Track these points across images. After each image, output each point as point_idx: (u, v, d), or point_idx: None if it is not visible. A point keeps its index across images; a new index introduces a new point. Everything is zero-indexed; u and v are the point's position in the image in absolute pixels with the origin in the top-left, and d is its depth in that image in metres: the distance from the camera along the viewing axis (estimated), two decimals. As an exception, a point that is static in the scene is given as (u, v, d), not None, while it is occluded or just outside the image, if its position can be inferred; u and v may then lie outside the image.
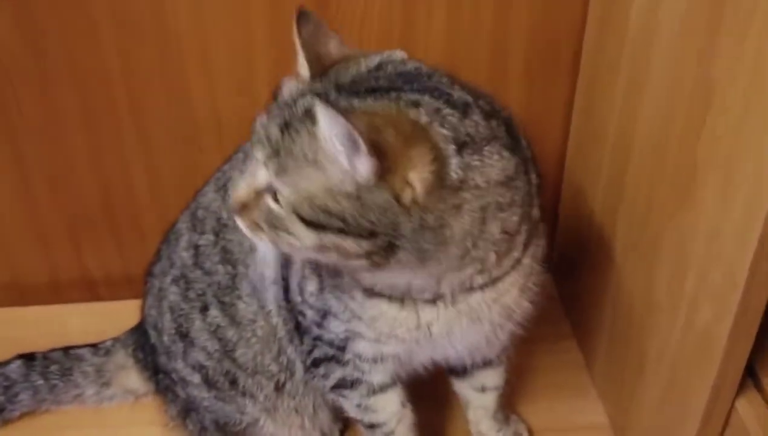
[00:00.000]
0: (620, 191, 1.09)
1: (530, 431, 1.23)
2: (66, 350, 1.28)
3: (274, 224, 0.77)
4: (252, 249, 1.02)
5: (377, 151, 0.69)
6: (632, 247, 1.08)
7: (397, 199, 0.73)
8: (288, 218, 0.75)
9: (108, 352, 1.28)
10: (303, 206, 0.74)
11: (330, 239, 0.75)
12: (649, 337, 1.03)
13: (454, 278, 0.83)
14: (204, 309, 1.08)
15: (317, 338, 0.99)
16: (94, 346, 1.28)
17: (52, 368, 1.25)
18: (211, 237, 1.07)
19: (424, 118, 0.75)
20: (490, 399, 1.15)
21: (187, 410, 1.17)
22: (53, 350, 1.28)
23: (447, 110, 0.76)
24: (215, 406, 1.12)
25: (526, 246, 0.86)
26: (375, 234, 0.74)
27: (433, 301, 0.87)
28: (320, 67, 0.82)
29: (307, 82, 0.81)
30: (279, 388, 1.08)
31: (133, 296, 1.39)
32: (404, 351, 0.95)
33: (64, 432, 1.25)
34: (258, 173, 0.78)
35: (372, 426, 1.04)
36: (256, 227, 0.80)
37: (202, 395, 1.11)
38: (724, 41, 0.79)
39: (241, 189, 0.80)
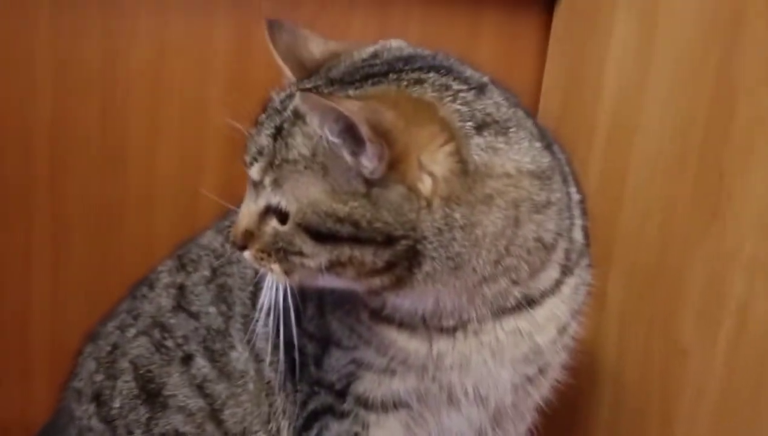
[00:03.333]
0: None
1: None
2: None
3: (282, 248, 0.69)
4: (253, 282, 0.88)
5: (381, 136, 0.62)
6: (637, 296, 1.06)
7: (414, 190, 0.65)
8: (295, 234, 0.67)
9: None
10: (308, 216, 0.66)
11: (343, 251, 0.66)
12: (677, 389, 0.98)
13: (488, 291, 0.73)
14: (187, 360, 0.88)
15: (316, 382, 0.82)
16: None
17: None
18: (206, 273, 0.92)
19: (430, 95, 0.68)
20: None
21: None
22: None
23: (458, 86, 0.70)
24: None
25: (566, 270, 0.79)
26: (393, 239, 0.65)
27: (453, 330, 0.76)
28: (307, 72, 0.76)
29: (294, 85, 0.75)
30: None
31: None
32: (415, 391, 0.80)
33: None
34: (258, 196, 0.70)
35: None
36: (263, 256, 0.71)
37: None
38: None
39: (243, 217, 0.72)
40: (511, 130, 0.71)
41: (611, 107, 1.11)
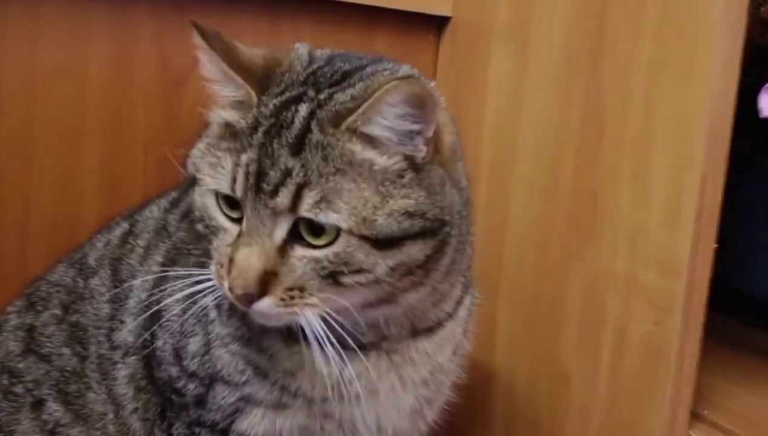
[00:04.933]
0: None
1: None
2: None
3: (331, 272, 0.60)
4: (110, 318, 0.82)
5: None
6: (523, 322, 1.05)
7: (446, 170, 0.66)
8: (354, 250, 0.60)
9: None
10: (377, 222, 0.60)
11: (406, 250, 0.61)
12: (564, 413, 0.97)
13: (426, 304, 0.72)
14: (37, 405, 0.81)
15: (195, 423, 0.76)
16: None
17: None
18: (57, 312, 0.84)
19: (412, 71, 0.69)
20: None
21: None
22: None
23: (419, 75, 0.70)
24: None
25: (464, 289, 0.78)
26: (442, 225, 0.64)
27: (368, 347, 0.71)
28: (254, 76, 0.66)
29: (273, 94, 0.65)
30: None
31: None
32: (300, 430, 0.75)
33: None
34: (275, 227, 0.61)
35: None
36: (294, 294, 0.61)
37: None
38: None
39: (255, 258, 0.60)
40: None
41: (493, 136, 1.12)
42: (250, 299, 0.61)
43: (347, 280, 0.61)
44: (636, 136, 0.86)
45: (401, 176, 0.62)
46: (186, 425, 0.76)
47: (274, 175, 0.60)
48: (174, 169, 0.73)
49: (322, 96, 0.64)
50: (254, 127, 0.62)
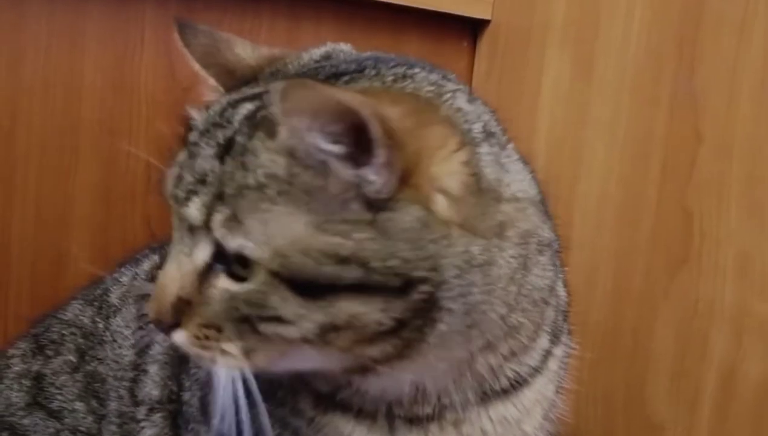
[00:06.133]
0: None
1: None
2: None
3: (245, 316, 0.49)
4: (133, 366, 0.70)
5: (390, 139, 0.46)
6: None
7: (431, 212, 0.48)
8: (269, 292, 0.48)
9: None
10: (295, 261, 0.47)
11: (342, 308, 0.48)
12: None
13: (483, 366, 0.56)
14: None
15: None
16: None
17: None
18: (71, 358, 0.73)
19: (426, 90, 0.53)
20: None
21: None
22: None
23: (452, 85, 0.55)
24: None
25: (554, 338, 0.63)
26: (411, 284, 0.48)
27: (426, 420, 0.58)
28: (239, 80, 0.59)
29: (239, 91, 0.58)
30: None
31: None
32: None
33: None
34: (196, 245, 0.50)
35: None
36: (210, 333, 0.50)
37: None
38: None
39: (170, 280, 0.51)
40: (508, 145, 0.57)
41: (548, 151, 1.00)
42: (164, 326, 0.51)
43: (266, 329, 0.49)
44: (747, 141, 0.74)
45: (344, 209, 0.48)
46: None
47: (188, 179, 0.50)
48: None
49: None
50: (198, 125, 0.54)
